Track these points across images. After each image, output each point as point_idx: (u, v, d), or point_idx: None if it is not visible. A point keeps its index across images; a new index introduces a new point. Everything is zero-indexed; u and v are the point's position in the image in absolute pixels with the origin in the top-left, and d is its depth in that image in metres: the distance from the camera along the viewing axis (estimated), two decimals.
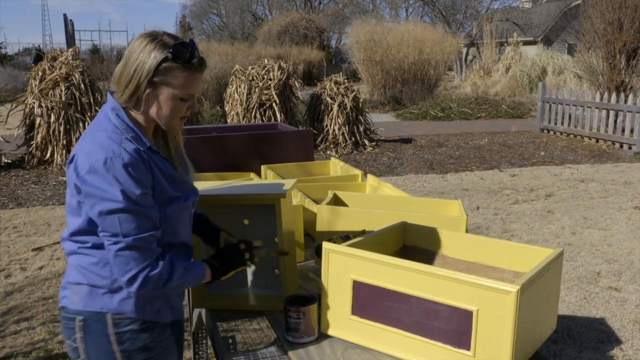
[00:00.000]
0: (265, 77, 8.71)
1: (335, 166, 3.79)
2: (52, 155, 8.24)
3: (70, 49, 8.77)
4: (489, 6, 34.26)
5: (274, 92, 8.53)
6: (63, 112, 8.10)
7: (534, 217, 6.06)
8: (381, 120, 13.64)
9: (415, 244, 2.24)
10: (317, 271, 2.42)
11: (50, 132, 8.14)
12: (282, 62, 8.89)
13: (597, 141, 10.63)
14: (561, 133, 11.44)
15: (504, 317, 1.52)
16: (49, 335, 3.54)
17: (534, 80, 20.78)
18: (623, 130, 10.14)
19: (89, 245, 1.58)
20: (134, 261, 1.49)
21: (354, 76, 21.29)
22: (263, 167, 3.62)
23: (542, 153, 9.63)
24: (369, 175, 3.29)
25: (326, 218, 2.47)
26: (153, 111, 1.56)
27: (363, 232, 2.32)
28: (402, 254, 2.22)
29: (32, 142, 8.33)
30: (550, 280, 1.78)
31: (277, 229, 2.05)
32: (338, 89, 9.22)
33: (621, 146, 10.13)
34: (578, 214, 6.16)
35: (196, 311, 2.93)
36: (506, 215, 6.13)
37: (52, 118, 8.07)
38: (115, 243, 1.48)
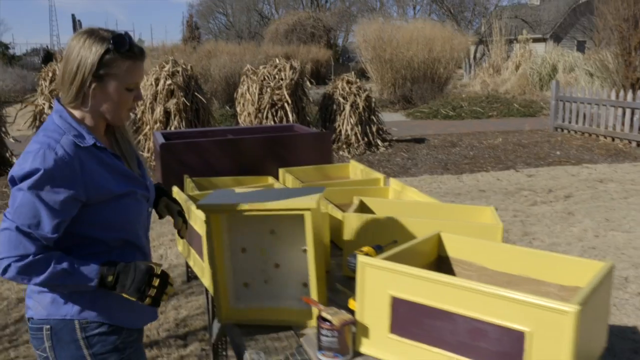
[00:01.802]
0: (277, 76, 8.59)
1: (355, 169, 3.67)
2: None
3: None
4: (497, 3, 34.07)
5: (285, 92, 8.41)
6: None
7: (555, 219, 5.92)
8: (391, 119, 13.50)
9: (450, 254, 2.12)
10: (345, 282, 2.31)
11: None
12: (293, 62, 8.77)
13: (613, 140, 10.45)
14: (575, 132, 11.27)
15: (561, 339, 1.40)
16: None
17: (545, 78, 20.58)
18: None
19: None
20: (6, 245, 1.48)
21: (361, 75, 21.18)
22: (281, 171, 3.51)
23: (558, 152, 9.47)
24: (391, 180, 3.18)
25: (354, 226, 2.36)
26: (100, 106, 1.58)
27: (395, 242, 2.20)
28: (437, 265, 2.11)
29: None
30: (604, 297, 1.66)
31: (307, 241, 1.93)
32: (350, 88, 9.09)
33: (638, 145, 9.95)
34: (599, 215, 6.01)
35: (215, 321, 2.82)
36: (525, 217, 5.98)
37: None
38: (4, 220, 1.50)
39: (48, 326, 1.60)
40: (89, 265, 1.54)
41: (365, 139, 9.17)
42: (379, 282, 1.73)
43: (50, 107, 7.99)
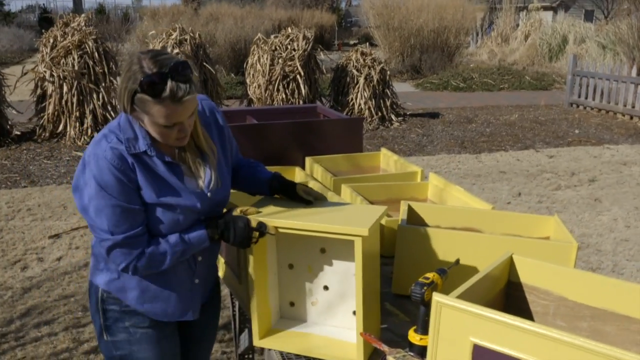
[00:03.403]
0: (289, 47, 8.21)
1: (388, 159, 3.40)
2: (64, 127, 7.83)
3: (83, 15, 8.28)
4: None
5: (298, 64, 8.05)
6: (76, 82, 7.66)
7: (581, 206, 5.67)
8: (400, 90, 13.10)
9: (523, 280, 1.86)
10: (396, 302, 2.07)
11: (63, 104, 7.71)
12: (306, 31, 8.37)
13: (632, 118, 10.14)
14: (592, 108, 10.94)
15: None
16: (73, 343, 3.21)
17: (555, 49, 20.11)
18: None
19: None
20: (122, 255, 1.58)
21: (366, 41, 20.65)
22: (308, 160, 3.25)
23: (577, 131, 9.18)
24: (431, 175, 2.91)
25: (409, 240, 2.10)
26: (145, 126, 1.56)
27: (457, 263, 1.94)
28: (507, 292, 1.85)
29: (43, 114, 7.91)
30: None
31: (356, 269, 1.67)
32: (364, 60, 8.72)
33: None
34: (628, 203, 5.76)
35: (245, 332, 2.59)
36: (551, 203, 5.74)
37: (65, 88, 7.64)
38: (102, 240, 1.58)
39: (89, 285, 1.78)
40: (196, 232, 1.66)
41: (379, 114, 8.85)
42: (458, 326, 1.48)
43: (52, 76, 7.65)
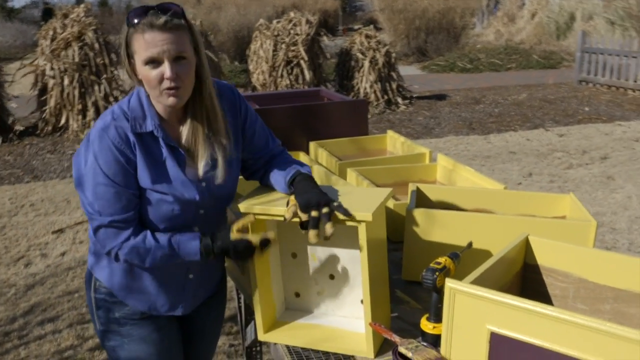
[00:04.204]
0: (292, 32, 8.07)
1: (394, 141, 3.28)
2: (67, 121, 7.76)
3: (82, 5, 8.17)
4: None
5: (301, 49, 7.91)
6: (77, 74, 7.57)
7: (594, 184, 5.54)
8: (406, 73, 12.95)
9: (540, 262, 1.75)
10: (406, 288, 1.97)
11: (64, 97, 7.63)
12: (309, 15, 8.23)
13: None
14: (601, 85, 10.74)
15: None
16: (78, 340, 3.14)
17: (562, 27, 19.80)
18: None
19: None
20: (107, 239, 1.52)
21: (370, 24, 20.43)
22: (312, 144, 3.14)
23: (587, 109, 9.00)
24: (439, 156, 2.80)
25: (418, 223, 2.00)
26: (151, 94, 1.50)
27: (469, 246, 1.84)
28: (524, 275, 1.75)
29: (44, 108, 7.84)
30: None
31: (361, 257, 1.57)
32: (369, 43, 8.56)
33: None
34: None
35: (251, 325, 2.50)
36: (563, 182, 5.61)
37: (66, 81, 7.56)
38: (90, 219, 1.52)
39: (87, 272, 1.71)
40: (189, 242, 1.54)
41: (385, 97, 8.71)
42: (474, 313, 1.38)
43: (52, 69, 7.57)
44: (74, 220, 4.91)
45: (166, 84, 1.43)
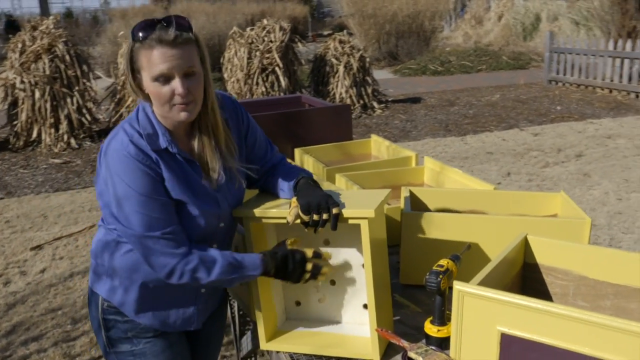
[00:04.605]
0: (266, 39, 8.05)
1: (379, 145, 3.29)
2: (39, 135, 7.59)
3: (51, 17, 8.02)
4: None
5: (276, 55, 7.89)
6: (48, 87, 7.42)
7: (571, 181, 5.63)
8: (378, 77, 12.98)
9: (540, 261, 1.77)
10: (404, 292, 1.97)
11: (36, 110, 7.47)
12: (282, 22, 8.22)
13: (611, 92, 10.15)
14: (571, 84, 10.95)
15: None
16: (64, 358, 3.06)
17: (528, 28, 20.17)
18: None
19: (106, 222, 1.56)
20: (163, 256, 1.46)
21: (340, 30, 20.50)
22: (297, 151, 3.13)
23: (559, 108, 9.16)
24: (426, 158, 2.81)
25: (415, 227, 1.99)
26: (158, 112, 1.48)
27: (468, 248, 1.85)
28: (524, 274, 1.76)
29: (15, 122, 7.66)
30: None
31: (364, 255, 1.56)
32: (343, 48, 8.59)
33: (637, 96, 9.67)
34: (617, 176, 5.73)
35: (247, 335, 2.47)
36: (541, 180, 5.68)
37: (37, 94, 7.40)
38: (140, 242, 1.46)
39: (89, 293, 1.67)
40: (248, 255, 1.55)
41: (361, 102, 8.73)
42: (483, 315, 1.39)
43: (22, 82, 7.41)
44: (52, 235, 4.80)
45: (178, 99, 1.42)
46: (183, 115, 1.44)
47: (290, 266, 1.54)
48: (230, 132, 1.59)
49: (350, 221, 1.53)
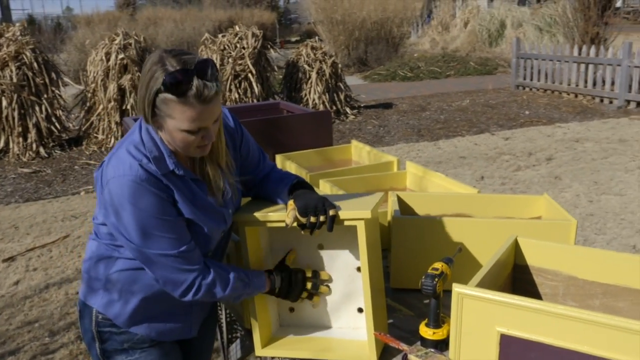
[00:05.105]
0: (238, 45, 8.03)
1: (359, 151, 3.32)
2: (6, 144, 7.42)
3: (18, 24, 7.86)
4: None
5: (249, 62, 7.87)
6: (16, 95, 7.26)
7: (543, 184, 5.75)
8: (349, 83, 13.08)
9: (530, 262, 1.80)
10: (394, 295, 1.98)
11: (3, 119, 7.30)
12: (254, 29, 8.21)
13: (576, 96, 10.41)
14: (538, 89, 11.18)
15: None
16: None
17: (494, 35, 20.57)
18: (603, 83, 9.91)
19: (101, 238, 1.54)
20: (180, 273, 1.47)
21: (308, 37, 20.56)
22: (279, 157, 3.13)
23: (527, 112, 9.34)
24: (408, 163, 2.84)
25: (405, 231, 2.01)
26: (165, 138, 1.43)
27: (460, 251, 1.87)
28: (514, 276, 1.79)
29: None
30: None
31: (361, 258, 1.58)
32: (315, 54, 8.62)
33: (601, 100, 9.93)
34: (586, 178, 5.87)
35: (236, 343, 2.45)
36: (514, 184, 5.79)
37: (4, 103, 7.24)
38: (158, 261, 1.46)
39: (80, 306, 1.65)
40: (254, 272, 1.59)
41: (334, 108, 8.77)
42: (483, 316, 1.41)
43: (3, 94, 7.22)
44: (24, 247, 4.69)
45: (201, 142, 1.42)
46: (199, 152, 1.45)
47: (292, 286, 1.61)
48: (229, 150, 1.59)
49: (347, 223, 1.54)
